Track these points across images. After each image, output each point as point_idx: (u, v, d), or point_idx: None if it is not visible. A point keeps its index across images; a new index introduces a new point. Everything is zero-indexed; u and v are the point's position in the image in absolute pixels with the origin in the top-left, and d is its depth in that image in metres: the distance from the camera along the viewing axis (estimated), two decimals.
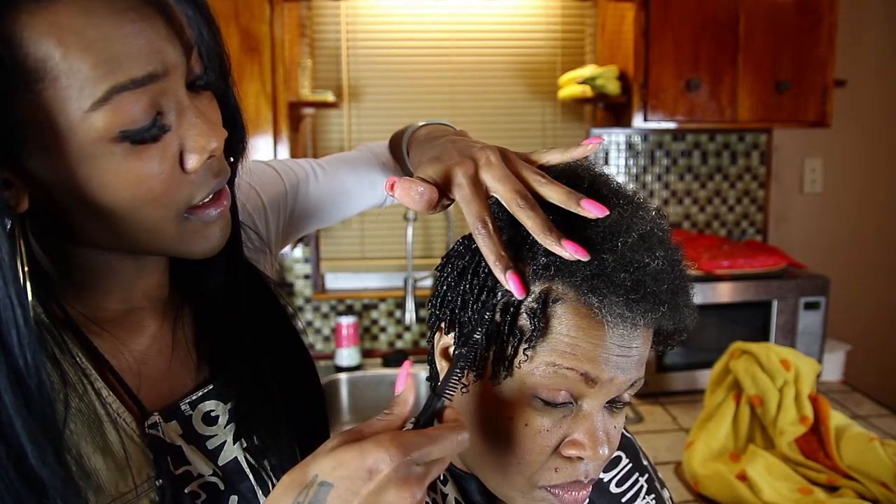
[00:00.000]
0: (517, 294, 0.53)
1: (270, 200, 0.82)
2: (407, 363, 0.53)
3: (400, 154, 0.81)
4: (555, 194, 0.55)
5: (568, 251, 0.52)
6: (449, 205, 0.61)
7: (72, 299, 0.58)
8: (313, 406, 0.77)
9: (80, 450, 0.54)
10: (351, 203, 0.92)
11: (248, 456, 0.66)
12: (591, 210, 0.53)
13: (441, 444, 0.48)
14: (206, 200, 0.56)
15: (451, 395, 0.53)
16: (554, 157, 0.60)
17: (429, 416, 0.52)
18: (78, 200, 0.51)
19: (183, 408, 0.63)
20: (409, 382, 0.52)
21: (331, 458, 0.46)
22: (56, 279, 0.58)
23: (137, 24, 0.49)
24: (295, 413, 0.71)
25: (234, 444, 0.66)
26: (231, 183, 0.62)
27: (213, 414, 0.65)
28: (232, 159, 0.62)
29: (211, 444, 0.64)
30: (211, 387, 0.66)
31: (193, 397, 0.64)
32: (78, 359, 0.56)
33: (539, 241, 0.53)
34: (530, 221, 0.53)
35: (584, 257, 0.52)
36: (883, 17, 2.47)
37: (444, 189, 0.59)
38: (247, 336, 0.69)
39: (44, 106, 0.47)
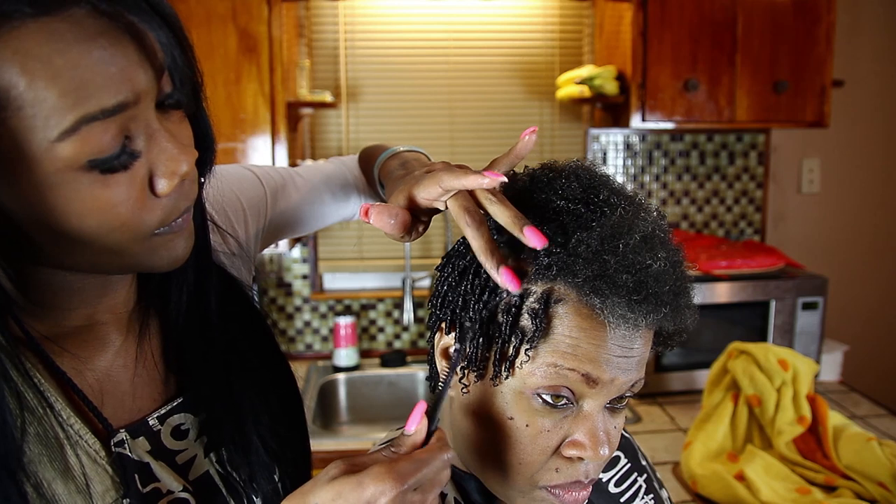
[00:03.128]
0: (512, 289, 0.53)
1: (250, 204, 0.81)
2: (421, 404, 0.52)
3: (370, 172, 0.82)
4: (502, 215, 0.54)
5: (503, 278, 0.52)
6: (424, 230, 0.63)
7: (29, 317, 0.56)
8: (290, 414, 0.74)
9: (40, 477, 0.51)
10: (325, 214, 0.92)
11: (220, 469, 0.64)
12: (531, 239, 0.52)
13: (432, 465, 0.50)
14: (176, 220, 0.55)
15: (439, 414, 0.54)
16: (504, 165, 0.59)
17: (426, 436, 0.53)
18: (41, 226, 0.49)
19: (151, 423, 0.61)
20: (423, 423, 0.52)
21: (330, 489, 0.47)
22: (15, 297, 0.54)
23: (108, 50, 0.46)
24: (270, 422, 0.69)
25: (205, 457, 0.64)
26: (198, 197, 0.61)
27: (183, 427, 0.63)
28: (202, 178, 0.61)
29: (181, 459, 0.62)
30: (181, 399, 0.64)
31: (162, 411, 0.62)
32: (36, 380, 0.54)
33: (480, 261, 0.53)
34: (475, 241, 0.53)
35: (514, 290, 0.52)
36: (881, 17, 2.47)
37: (417, 213, 0.60)
38: (217, 344, 0.66)
39: (7, 135, 0.45)
